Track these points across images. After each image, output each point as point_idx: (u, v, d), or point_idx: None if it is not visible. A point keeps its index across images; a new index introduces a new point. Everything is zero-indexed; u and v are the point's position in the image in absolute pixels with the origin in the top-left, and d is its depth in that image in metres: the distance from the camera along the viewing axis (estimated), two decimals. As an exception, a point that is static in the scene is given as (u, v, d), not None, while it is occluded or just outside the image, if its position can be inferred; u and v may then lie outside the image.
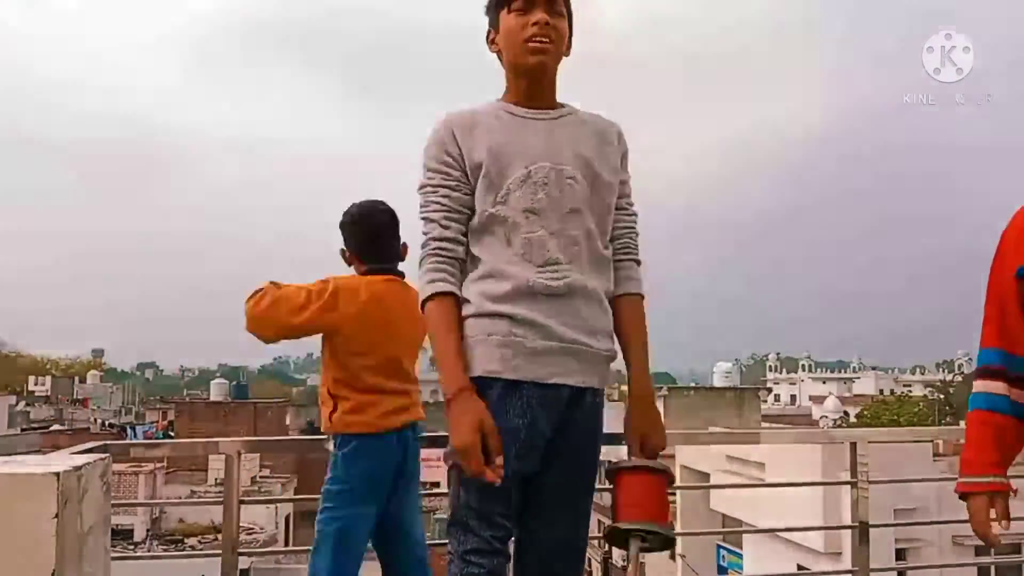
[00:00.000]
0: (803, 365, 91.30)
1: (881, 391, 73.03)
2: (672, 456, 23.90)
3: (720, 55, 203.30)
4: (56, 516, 1.69)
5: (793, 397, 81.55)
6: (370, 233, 2.71)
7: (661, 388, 30.53)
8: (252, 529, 20.51)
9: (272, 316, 2.52)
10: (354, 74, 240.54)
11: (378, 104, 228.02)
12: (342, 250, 2.76)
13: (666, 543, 1.90)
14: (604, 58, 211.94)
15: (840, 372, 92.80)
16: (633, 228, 2.10)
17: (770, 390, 57.92)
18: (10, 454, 1.86)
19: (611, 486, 1.97)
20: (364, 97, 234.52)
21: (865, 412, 53.28)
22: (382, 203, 2.76)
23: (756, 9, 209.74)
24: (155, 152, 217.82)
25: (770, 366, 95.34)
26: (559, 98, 2.04)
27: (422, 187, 1.95)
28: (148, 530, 21.51)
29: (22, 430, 44.00)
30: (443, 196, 1.90)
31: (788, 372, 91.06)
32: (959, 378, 76.12)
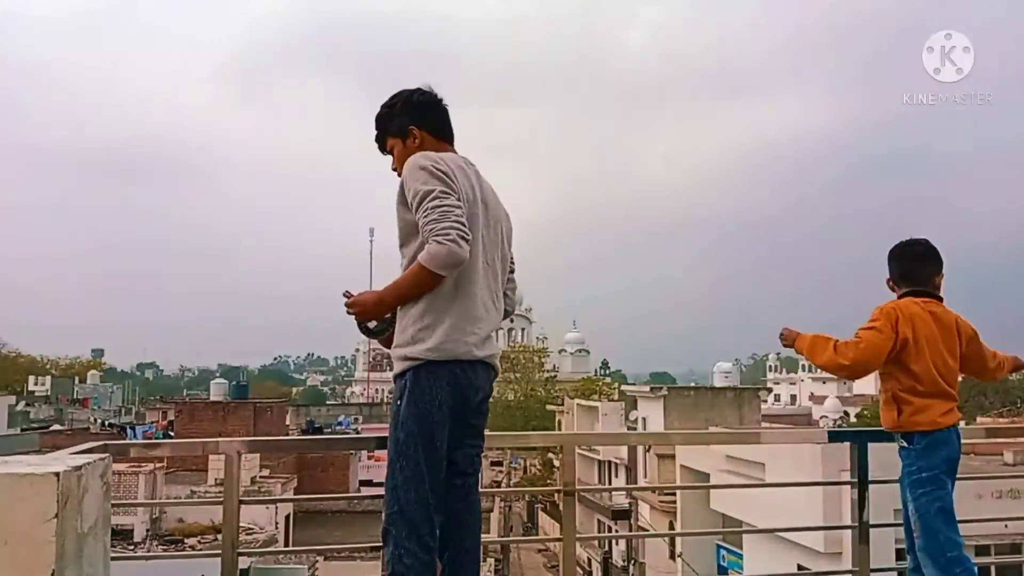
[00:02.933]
0: (803, 365, 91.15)
1: (881, 391, 72.82)
2: (672, 456, 23.96)
3: (728, 66, 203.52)
4: (56, 516, 1.69)
5: (793, 397, 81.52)
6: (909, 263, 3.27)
7: (661, 388, 30.59)
8: (252, 529, 20.50)
9: (866, 359, 3.04)
10: (379, 89, 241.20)
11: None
12: (888, 279, 3.31)
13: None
14: (619, 75, 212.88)
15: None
16: None
17: (770, 390, 57.88)
18: (10, 454, 1.86)
19: None
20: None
21: (865, 412, 53.24)
22: (922, 240, 3.32)
23: (760, 23, 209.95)
24: (169, 162, 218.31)
25: (770, 366, 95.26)
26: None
27: None
28: (148, 530, 21.49)
29: (22, 430, 43.95)
30: None
31: (788, 372, 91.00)
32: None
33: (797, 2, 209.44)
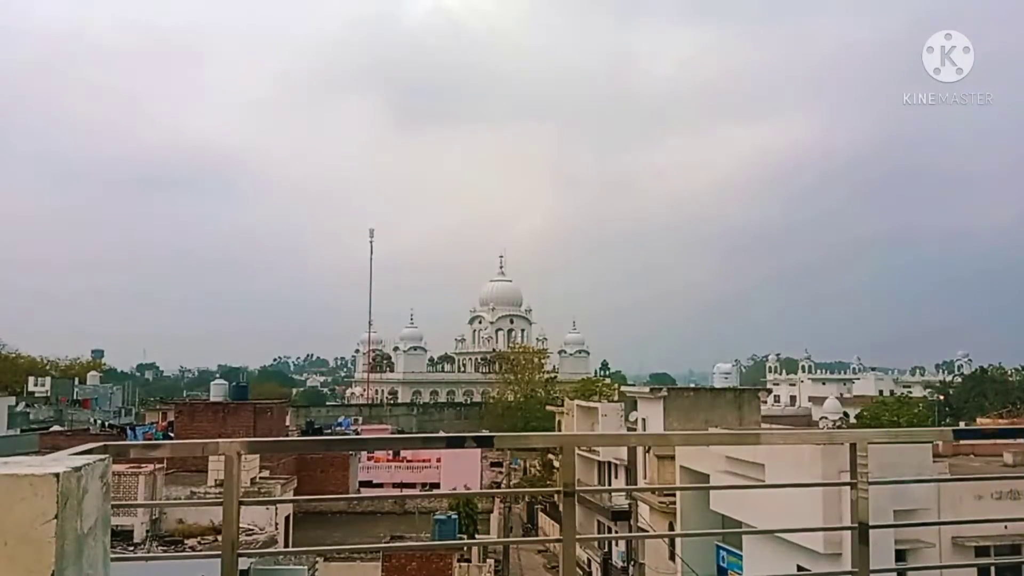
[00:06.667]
0: (803, 366, 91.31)
1: (881, 392, 73.07)
2: (672, 457, 23.94)
3: (729, 85, 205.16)
4: (56, 517, 1.69)
5: (793, 398, 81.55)
6: None
7: (661, 389, 30.58)
8: (252, 530, 20.50)
9: None
10: (399, 110, 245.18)
11: (417, 135, 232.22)
12: None
13: None
14: (633, 92, 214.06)
15: (840, 373, 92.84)
16: None
17: (770, 391, 57.89)
18: (10, 455, 1.87)
19: None
20: (402, 129, 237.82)
21: (865, 413, 53.28)
22: None
23: (761, 50, 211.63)
24: (183, 173, 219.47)
25: (770, 367, 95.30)
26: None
27: None
28: (148, 531, 21.49)
29: (22, 431, 43.97)
30: None
31: (788, 373, 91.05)
32: (959, 379, 76.20)
33: (807, 35, 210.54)
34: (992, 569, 13.99)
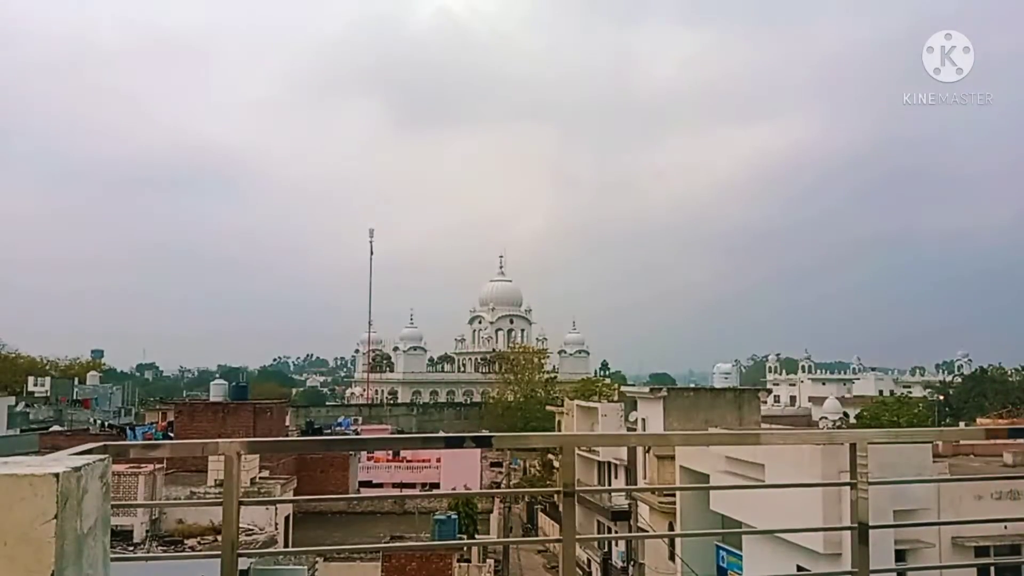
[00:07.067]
0: (803, 366, 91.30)
1: (881, 392, 73.14)
2: (672, 457, 23.94)
3: (729, 86, 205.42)
4: (56, 517, 1.69)
5: (793, 398, 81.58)
6: None
7: (661, 389, 30.59)
8: (252, 530, 20.50)
9: None
10: (399, 110, 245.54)
11: (417, 137, 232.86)
12: None
13: None
14: (633, 93, 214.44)
15: (840, 373, 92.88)
16: None
17: (770, 391, 57.93)
18: (9, 455, 1.87)
19: None
20: (403, 130, 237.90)
21: (865, 413, 53.32)
22: None
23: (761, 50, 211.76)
24: (183, 174, 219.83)
25: (770, 367, 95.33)
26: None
27: None
28: (147, 531, 21.49)
29: (22, 431, 43.99)
30: None
31: (788, 373, 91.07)
32: (958, 379, 76.23)
33: (807, 36, 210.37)
34: (992, 569, 13.99)
